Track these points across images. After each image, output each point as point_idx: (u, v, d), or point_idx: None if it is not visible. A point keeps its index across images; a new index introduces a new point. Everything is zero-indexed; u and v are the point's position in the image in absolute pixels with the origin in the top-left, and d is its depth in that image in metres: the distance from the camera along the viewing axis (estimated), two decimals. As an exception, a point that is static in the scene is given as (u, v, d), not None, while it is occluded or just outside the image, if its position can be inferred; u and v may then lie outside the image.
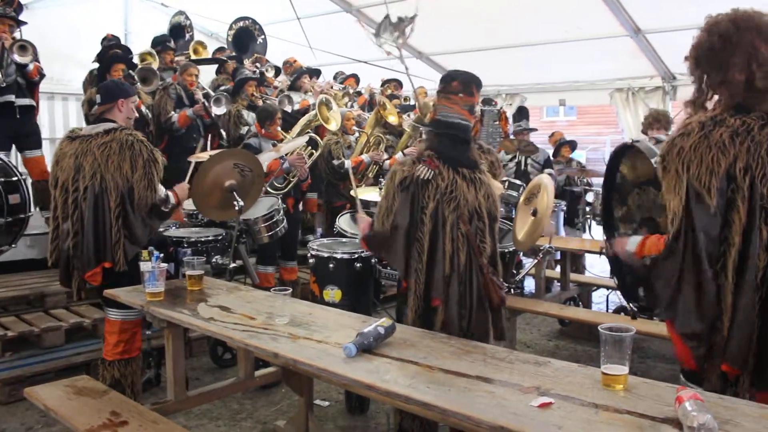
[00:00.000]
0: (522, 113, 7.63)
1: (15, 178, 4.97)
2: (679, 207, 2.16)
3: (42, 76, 6.09)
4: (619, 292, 4.43)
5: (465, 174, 2.95)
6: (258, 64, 8.27)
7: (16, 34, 5.89)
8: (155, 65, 7.08)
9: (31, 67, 5.86)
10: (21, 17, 6.04)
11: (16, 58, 5.67)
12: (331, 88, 7.88)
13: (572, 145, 8.13)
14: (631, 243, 2.49)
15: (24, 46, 5.74)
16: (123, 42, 8.34)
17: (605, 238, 3.36)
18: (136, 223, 3.64)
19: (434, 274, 2.89)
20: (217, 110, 6.52)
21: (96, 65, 6.63)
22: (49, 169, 6.08)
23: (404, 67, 6.34)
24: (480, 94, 3.10)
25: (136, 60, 7.10)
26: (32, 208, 4.81)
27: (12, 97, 5.77)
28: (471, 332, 2.88)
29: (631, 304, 3.23)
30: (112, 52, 6.58)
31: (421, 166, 2.93)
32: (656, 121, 5.46)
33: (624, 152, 3.16)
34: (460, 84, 3.01)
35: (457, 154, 3.00)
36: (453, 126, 3.01)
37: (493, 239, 3.03)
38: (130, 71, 6.44)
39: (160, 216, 3.81)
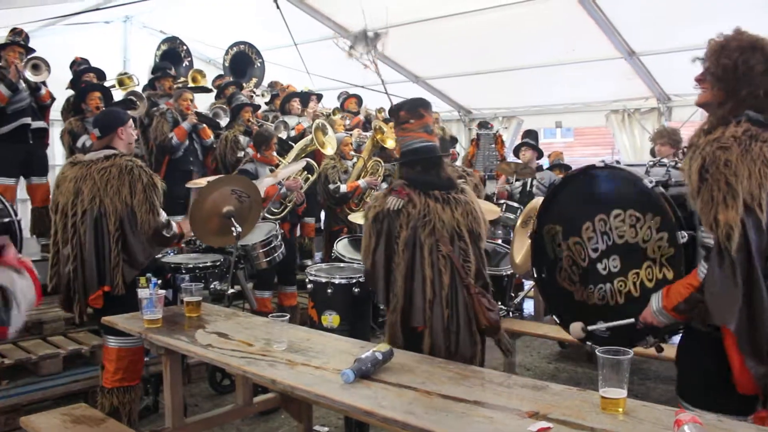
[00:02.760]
0: (530, 135, 7.66)
1: (7, 219, 4.82)
2: (737, 220, 2.10)
3: (53, 99, 6.21)
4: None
5: (437, 196, 2.96)
6: (254, 92, 8.34)
7: None
8: (131, 85, 7.17)
9: (43, 91, 6.01)
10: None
11: (29, 75, 5.77)
12: (328, 114, 7.93)
13: (565, 170, 8.15)
14: (654, 302, 2.43)
15: (37, 65, 5.84)
16: (123, 68, 8.44)
17: (534, 276, 3.25)
18: (137, 247, 3.65)
19: (414, 301, 2.90)
20: (221, 121, 6.79)
21: (70, 92, 6.70)
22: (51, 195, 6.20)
23: (380, 79, 6.39)
24: (429, 113, 3.11)
25: (113, 82, 7.17)
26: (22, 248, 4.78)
27: (28, 120, 5.91)
28: (459, 355, 2.86)
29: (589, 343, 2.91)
30: (85, 78, 6.65)
31: (391, 197, 2.97)
32: (660, 136, 5.49)
33: (578, 177, 3.06)
34: (406, 112, 3.08)
35: (429, 177, 3.03)
36: (418, 151, 3.04)
37: (479, 257, 3.02)
38: (132, 96, 6.54)
39: (162, 241, 3.82)
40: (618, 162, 2.90)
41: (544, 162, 8.05)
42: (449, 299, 2.88)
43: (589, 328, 2.76)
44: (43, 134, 6.13)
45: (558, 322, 3.12)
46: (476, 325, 2.93)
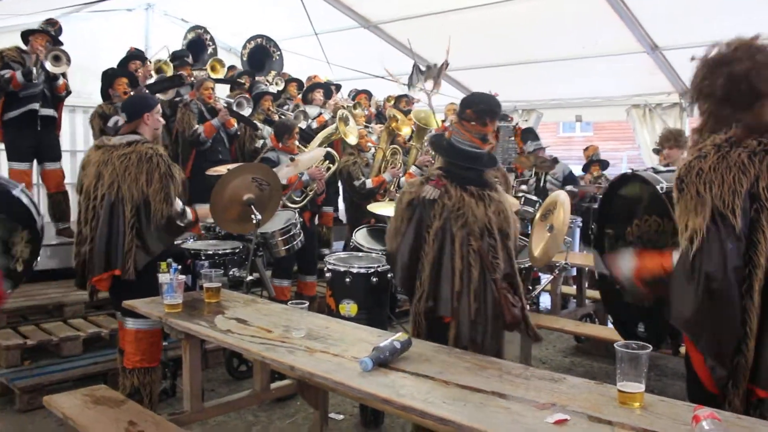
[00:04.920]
0: (528, 134, 7.61)
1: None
2: (702, 226, 2.13)
3: (68, 92, 6.24)
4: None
5: (473, 191, 2.98)
6: (268, 80, 8.36)
7: None
8: (168, 71, 7.20)
9: (60, 82, 6.02)
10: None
11: (48, 66, 5.78)
12: (355, 106, 7.94)
13: (603, 165, 8.05)
14: (625, 265, 2.51)
15: (58, 56, 5.86)
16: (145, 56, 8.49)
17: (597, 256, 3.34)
18: (150, 234, 3.69)
19: (441, 291, 2.92)
20: (243, 112, 6.77)
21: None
22: (66, 181, 6.25)
23: (431, 108, 6.42)
24: (494, 124, 3.08)
25: (151, 69, 7.19)
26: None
27: (36, 106, 5.89)
28: (486, 348, 2.89)
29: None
30: (131, 64, 6.72)
31: (428, 186, 2.99)
32: (667, 140, 5.44)
33: (622, 183, 3.16)
34: (473, 113, 3.04)
35: (465, 173, 3.04)
36: (462, 154, 3.05)
37: (507, 255, 3.04)
38: (180, 75, 6.61)
39: (175, 230, 3.86)
40: (655, 170, 3.00)
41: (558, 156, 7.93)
42: (477, 293, 2.91)
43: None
44: (52, 122, 6.14)
45: (612, 322, 3.23)
46: (502, 322, 2.96)
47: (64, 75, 6.14)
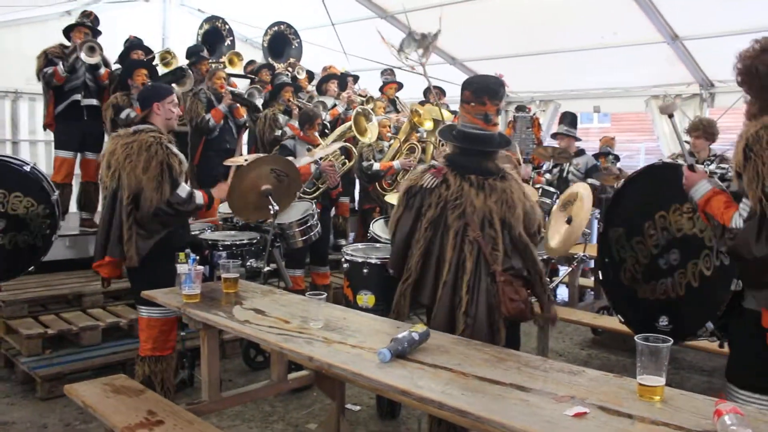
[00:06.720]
0: (566, 118, 7.52)
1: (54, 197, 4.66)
2: None
3: (111, 81, 6.33)
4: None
5: (473, 180, 2.93)
6: (290, 69, 8.35)
7: None
8: (175, 64, 7.18)
9: (102, 71, 6.16)
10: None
11: (83, 57, 5.93)
12: (368, 99, 7.90)
13: (614, 159, 8.07)
14: (698, 192, 2.55)
15: (92, 47, 6.01)
16: (161, 47, 8.51)
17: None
18: (148, 219, 3.66)
19: (425, 279, 2.93)
20: (257, 101, 6.86)
21: (118, 66, 6.80)
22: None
23: (427, 80, 6.37)
24: (494, 102, 2.98)
25: (156, 59, 7.20)
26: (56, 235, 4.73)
27: (78, 96, 6.05)
28: (474, 337, 2.82)
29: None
30: (133, 55, 6.72)
31: (428, 175, 2.98)
32: (695, 129, 5.39)
33: (636, 178, 3.13)
34: (471, 94, 2.99)
35: (467, 162, 3.00)
36: (469, 137, 2.99)
37: (513, 247, 2.95)
38: (180, 71, 6.63)
39: (170, 217, 3.73)
40: (688, 158, 2.96)
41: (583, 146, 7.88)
42: (470, 285, 2.86)
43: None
44: (96, 112, 6.25)
45: (622, 321, 3.21)
46: (498, 314, 2.88)
47: (106, 64, 6.27)
